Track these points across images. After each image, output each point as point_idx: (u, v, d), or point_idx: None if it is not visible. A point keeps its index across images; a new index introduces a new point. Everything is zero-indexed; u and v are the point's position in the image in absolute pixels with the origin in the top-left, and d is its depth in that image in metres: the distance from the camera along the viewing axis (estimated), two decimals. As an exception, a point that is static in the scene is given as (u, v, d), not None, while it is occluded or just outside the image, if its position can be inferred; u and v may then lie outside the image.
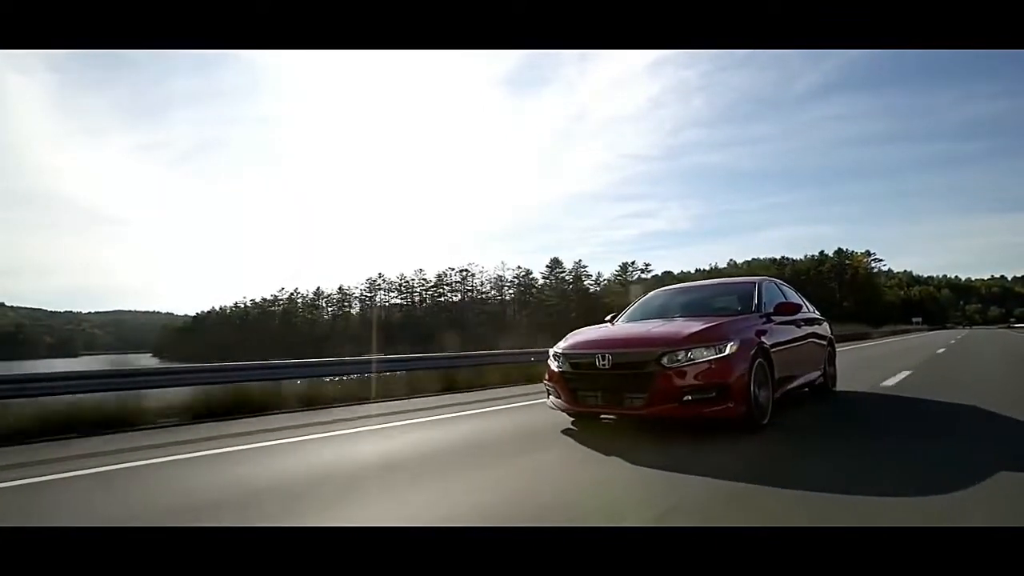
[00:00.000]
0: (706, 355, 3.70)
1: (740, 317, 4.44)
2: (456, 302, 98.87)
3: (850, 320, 41.26)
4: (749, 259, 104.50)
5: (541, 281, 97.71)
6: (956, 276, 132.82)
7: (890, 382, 6.79)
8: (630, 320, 5.15)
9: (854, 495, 2.47)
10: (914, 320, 67.72)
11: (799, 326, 5.09)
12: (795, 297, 5.59)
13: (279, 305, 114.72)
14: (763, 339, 4.17)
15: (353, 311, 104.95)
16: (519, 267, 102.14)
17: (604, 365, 3.90)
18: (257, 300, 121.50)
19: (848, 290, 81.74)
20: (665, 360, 3.70)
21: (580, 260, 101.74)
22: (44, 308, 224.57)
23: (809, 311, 5.80)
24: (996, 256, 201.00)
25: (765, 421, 3.96)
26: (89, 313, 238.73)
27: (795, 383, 4.78)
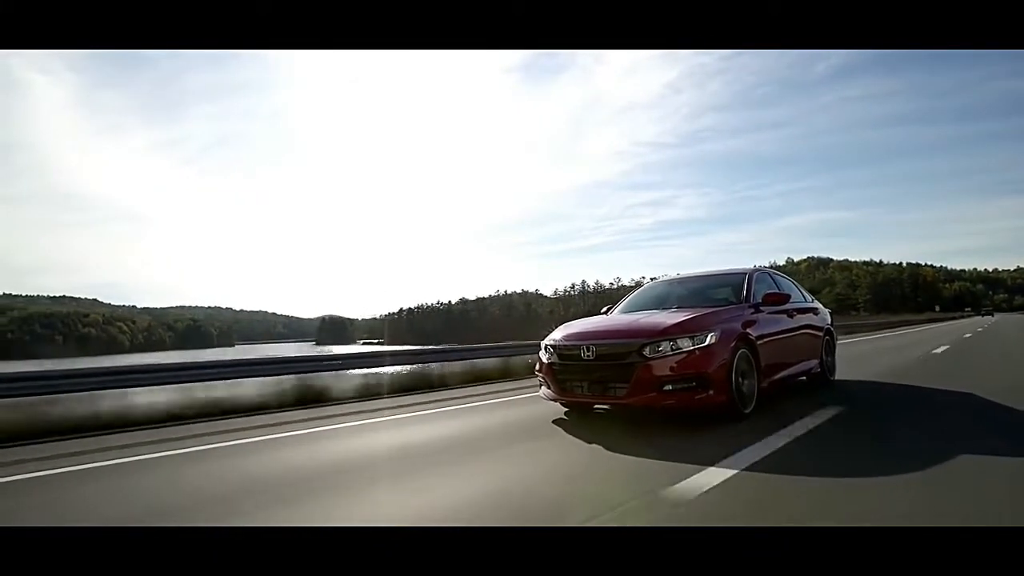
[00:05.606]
0: (685, 346, 3.81)
1: (726, 308, 4.51)
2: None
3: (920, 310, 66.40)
4: (806, 257, 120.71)
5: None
6: (985, 269, 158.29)
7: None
8: (625, 311, 5.27)
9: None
10: (966, 309, 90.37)
11: (790, 316, 5.10)
12: (789, 287, 5.57)
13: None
14: (748, 329, 4.23)
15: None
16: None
17: (589, 356, 4.05)
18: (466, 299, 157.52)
19: (920, 291, 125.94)
20: (646, 351, 3.81)
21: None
22: (136, 305, 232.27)
23: (805, 301, 5.78)
24: (1020, 238, 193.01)
25: (748, 410, 4.02)
26: (169, 308, 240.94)
27: (785, 373, 4.80)
